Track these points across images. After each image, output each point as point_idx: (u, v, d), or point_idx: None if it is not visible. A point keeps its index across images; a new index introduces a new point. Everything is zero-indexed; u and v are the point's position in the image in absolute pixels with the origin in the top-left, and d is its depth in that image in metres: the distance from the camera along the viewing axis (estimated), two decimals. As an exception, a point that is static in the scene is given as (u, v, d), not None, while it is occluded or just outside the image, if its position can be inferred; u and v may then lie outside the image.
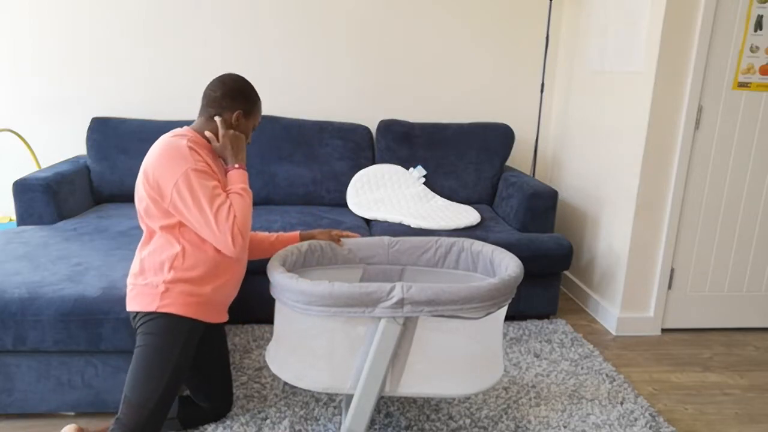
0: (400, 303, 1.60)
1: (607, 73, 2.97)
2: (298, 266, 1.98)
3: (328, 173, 3.17)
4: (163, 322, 1.68)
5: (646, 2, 2.62)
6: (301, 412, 2.06)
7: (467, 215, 2.88)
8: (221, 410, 1.98)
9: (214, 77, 1.84)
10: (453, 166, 3.27)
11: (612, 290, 2.91)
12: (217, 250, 1.73)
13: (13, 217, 3.23)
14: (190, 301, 1.70)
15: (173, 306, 1.68)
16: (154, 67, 3.26)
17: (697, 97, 2.58)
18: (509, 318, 2.90)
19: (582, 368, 2.44)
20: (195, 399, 1.95)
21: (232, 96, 1.79)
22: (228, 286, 1.79)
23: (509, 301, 1.73)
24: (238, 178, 1.75)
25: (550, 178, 3.69)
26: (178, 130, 1.76)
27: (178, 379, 1.70)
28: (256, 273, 2.37)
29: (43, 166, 3.30)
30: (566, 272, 3.42)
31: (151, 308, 1.68)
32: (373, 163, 3.30)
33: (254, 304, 2.66)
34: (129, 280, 1.75)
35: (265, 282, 1.86)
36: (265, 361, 2.40)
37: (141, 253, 1.75)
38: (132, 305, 1.72)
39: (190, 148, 1.68)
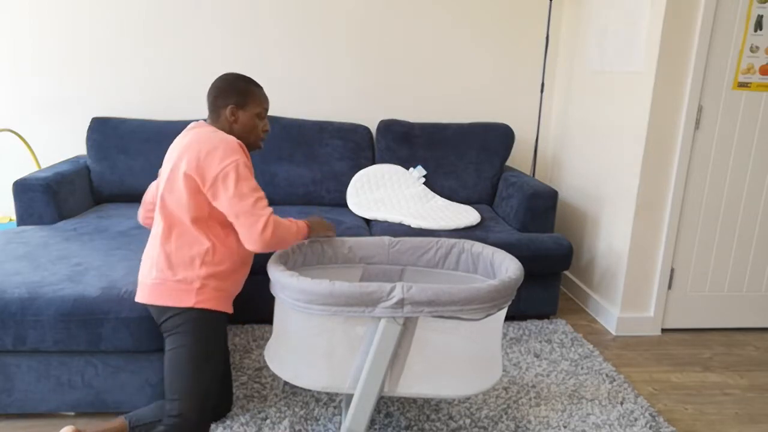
0: (401, 303, 1.60)
1: (607, 73, 2.97)
2: (299, 265, 1.98)
3: (328, 173, 3.17)
4: (202, 317, 1.73)
5: (646, 2, 2.62)
6: (301, 412, 2.06)
7: (467, 215, 2.88)
8: (222, 409, 1.99)
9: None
10: (453, 166, 3.27)
11: (612, 290, 2.91)
12: (238, 243, 1.77)
13: (13, 217, 3.23)
14: (219, 296, 1.76)
15: (209, 301, 1.73)
16: (154, 67, 3.26)
17: (697, 97, 2.58)
18: (509, 318, 2.90)
19: (582, 368, 2.44)
20: None
21: (223, 95, 1.82)
22: (241, 279, 1.85)
23: (509, 303, 1.73)
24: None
25: (550, 178, 3.69)
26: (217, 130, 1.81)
27: (218, 369, 1.77)
28: (256, 273, 2.36)
29: (43, 166, 3.30)
30: (566, 272, 3.42)
31: (188, 304, 1.71)
32: (373, 163, 3.30)
33: (254, 304, 2.66)
34: (155, 274, 1.74)
35: (265, 282, 1.86)
36: (265, 361, 2.40)
37: (165, 247, 1.73)
38: (163, 300, 1.72)
39: (240, 144, 1.75)
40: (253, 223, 1.66)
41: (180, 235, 1.73)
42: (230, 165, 1.67)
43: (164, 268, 1.73)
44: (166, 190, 1.74)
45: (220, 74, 1.89)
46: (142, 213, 2.02)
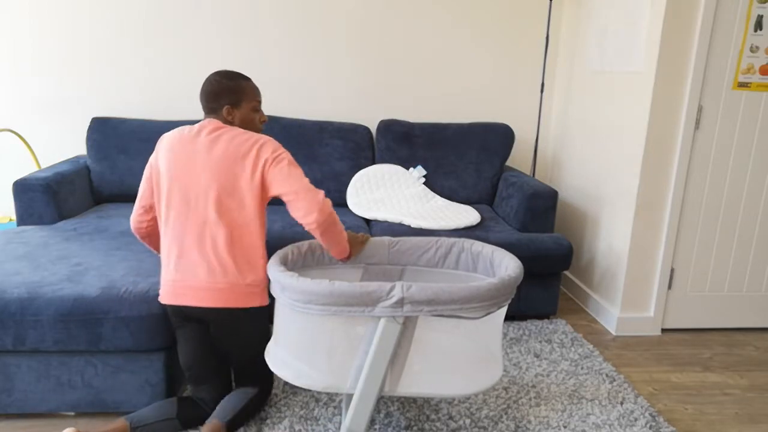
0: (400, 302, 1.60)
1: (607, 73, 2.97)
2: (298, 266, 1.98)
3: (328, 173, 3.17)
4: (264, 313, 1.91)
5: (646, 2, 2.62)
6: (301, 412, 2.06)
7: (467, 215, 2.88)
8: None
9: None
10: (453, 166, 3.27)
11: (612, 290, 2.91)
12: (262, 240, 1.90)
13: (13, 217, 3.23)
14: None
15: (266, 299, 1.90)
16: (154, 67, 3.26)
17: (697, 97, 2.58)
18: (509, 318, 2.90)
19: (582, 368, 2.44)
20: (197, 394, 1.96)
21: (214, 98, 1.88)
22: None
23: (509, 301, 1.73)
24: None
25: (550, 178, 3.69)
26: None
27: None
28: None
29: (43, 166, 3.30)
30: (566, 272, 3.42)
31: (257, 304, 1.86)
32: (373, 163, 3.30)
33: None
34: (223, 279, 1.80)
35: (265, 282, 1.87)
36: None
37: (232, 252, 1.81)
38: (232, 303, 1.81)
39: None
40: (314, 195, 1.76)
41: (241, 239, 1.81)
42: (282, 153, 1.82)
43: (234, 273, 1.80)
44: (223, 195, 1.79)
45: (210, 74, 1.92)
46: (137, 218, 1.98)
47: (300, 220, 1.77)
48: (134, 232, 2.03)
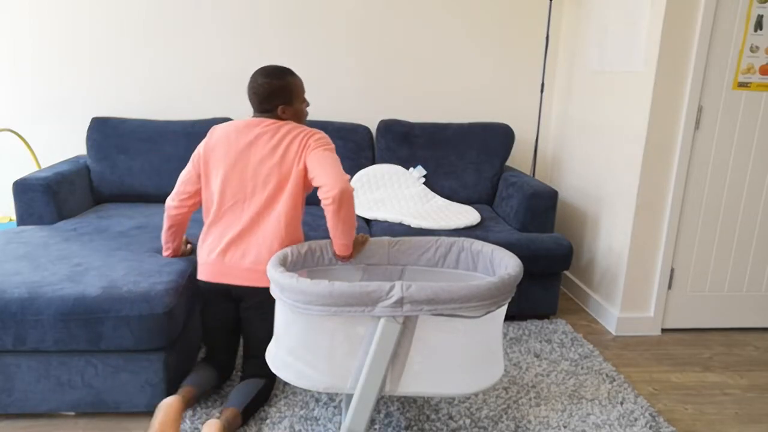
0: (400, 302, 1.60)
1: (607, 73, 2.97)
2: (298, 267, 1.98)
3: (328, 173, 3.17)
4: None
5: (646, 2, 2.63)
6: (301, 412, 2.06)
7: (467, 215, 2.88)
8: (227, 374, 2.15)
9: (251, 82, 2.02)
10: (453, 166, 3.27)
11: (612, 290, 2.91)
12: None
13: (13, 217, 3.23)
14: None
15: None
16: (154, 67, 3.27)
17: (697, 97, 2.58)
18: (509, 318, 2.90)
19: (582, 368, 2.44)
20: (214, 358, 2.11)
21: (268, 99, 1.99)
22: None
23: (509, 300, 1.73)
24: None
25: (550, 178, 3.69)
26: (301, 126, 2.02)
27: None
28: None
29: (43, 166, 3.30)
30: (566, 272, 3.42)
31: None
32: (373, 163, 3.30)
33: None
34: (267, 260, 1.93)
35: (265, 282, 1.87)
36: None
37: (279, 237, 1.94)
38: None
39: None
40: (343, 176, 1.85)
41: (289, 223, 1.95)
42: (324, 140, 1.96)
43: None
44: (279, 186, 1.93)
45: (256, 73, 2.00)
46: (181, 202, 2.05)
47: (323, 194, 1.83)
48: (170, 218, 2.09)
